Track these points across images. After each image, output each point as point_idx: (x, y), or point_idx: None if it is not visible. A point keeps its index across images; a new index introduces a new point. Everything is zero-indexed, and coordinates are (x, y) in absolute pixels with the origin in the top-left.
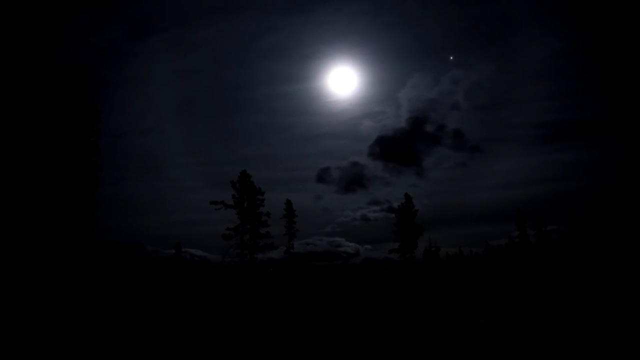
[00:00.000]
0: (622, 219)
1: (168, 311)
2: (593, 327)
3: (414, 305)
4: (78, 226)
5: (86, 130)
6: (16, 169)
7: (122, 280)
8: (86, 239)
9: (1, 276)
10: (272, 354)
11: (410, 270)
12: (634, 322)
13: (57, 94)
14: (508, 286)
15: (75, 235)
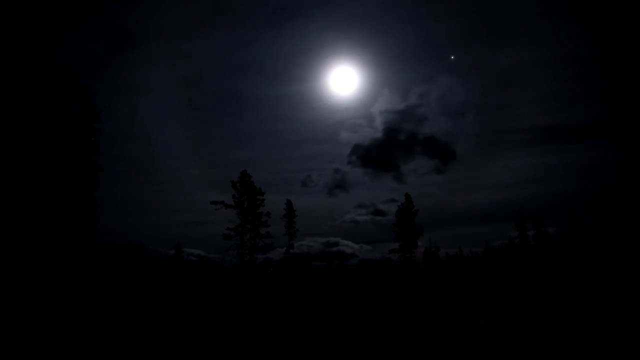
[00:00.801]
0: (622, 218)
1: (169, 311)
2: (593, 327)
3: (414, 305)
4: (78, 226)
5: (86, 130)
6: (16, 169)
7: (122, 280)
8: (86, 239)
9: (2, 276)
10: (273, 354)
11: (410, 270)
12: (633, 321)
13: (56, 94)
14: (508, 286)
15: (75, 235)
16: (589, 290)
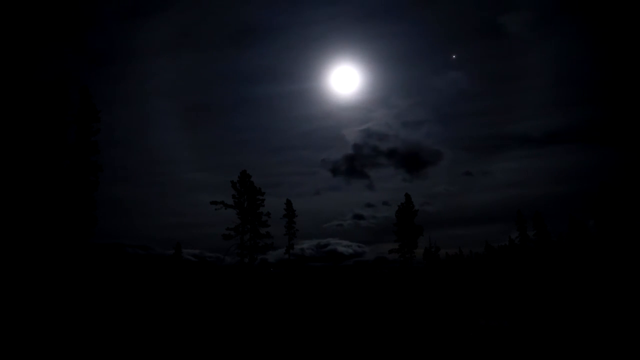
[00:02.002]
0: (622, 218)
1: (169, 311)
2: (593, 327)
3: (414, 305)
4: (78, 226)
5: (86, 130)
6: (16, 169)
7: (123, 280)
8: (86, 239)
9: (2, 276)
10: (273, 353)
11: (411, 270)
12: (634, 321)
13: (56, 94)
14: (508, 286)
15: (75, 235)
16: (589, 291)
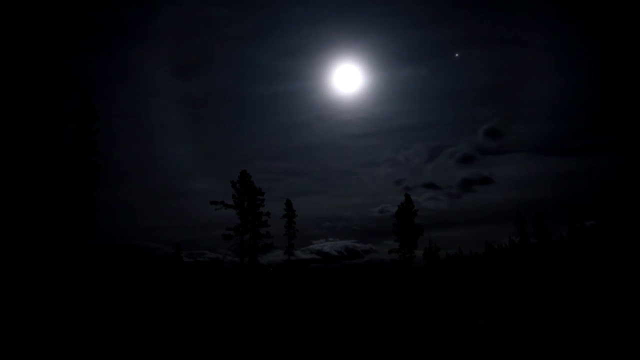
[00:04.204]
0: (621, 218)
1: (169, 311)
2: (593, 327)
3: (414, 305)
4: (78, 226)
5: (85, 130)
6: (16, 169)
7: (123, 280)
8: (86, 239)
9: (2, 276)
10: (273, 353)
11: (411, 270)
12: (634, 321)
13: (56, 93)
14: (508, 286)
15: (75, 235)
16: (589, 291)
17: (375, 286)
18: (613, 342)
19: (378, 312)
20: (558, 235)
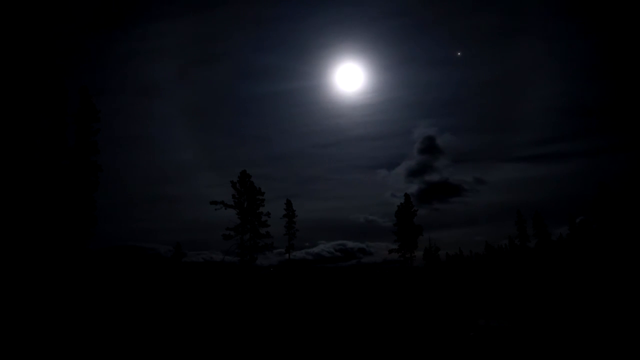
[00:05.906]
0: (621, 218)
1: (169, 311)
2: (593, 327)
3: (414, 306)
4: (78, 226)
5: (86, 130)
6: (16, 169)
7: (123, 280)
8: (86, 239)
9: (2, 276)
10: (273, 353)
11: (410, 270)
12: (634, 322)
13: (55, 93)
14: (508, 287)
15: (75, 235)
16: (589, 291)
17: (375, 286)
18: (613, 342)
19: (378, 312)
20: (558, 235)
